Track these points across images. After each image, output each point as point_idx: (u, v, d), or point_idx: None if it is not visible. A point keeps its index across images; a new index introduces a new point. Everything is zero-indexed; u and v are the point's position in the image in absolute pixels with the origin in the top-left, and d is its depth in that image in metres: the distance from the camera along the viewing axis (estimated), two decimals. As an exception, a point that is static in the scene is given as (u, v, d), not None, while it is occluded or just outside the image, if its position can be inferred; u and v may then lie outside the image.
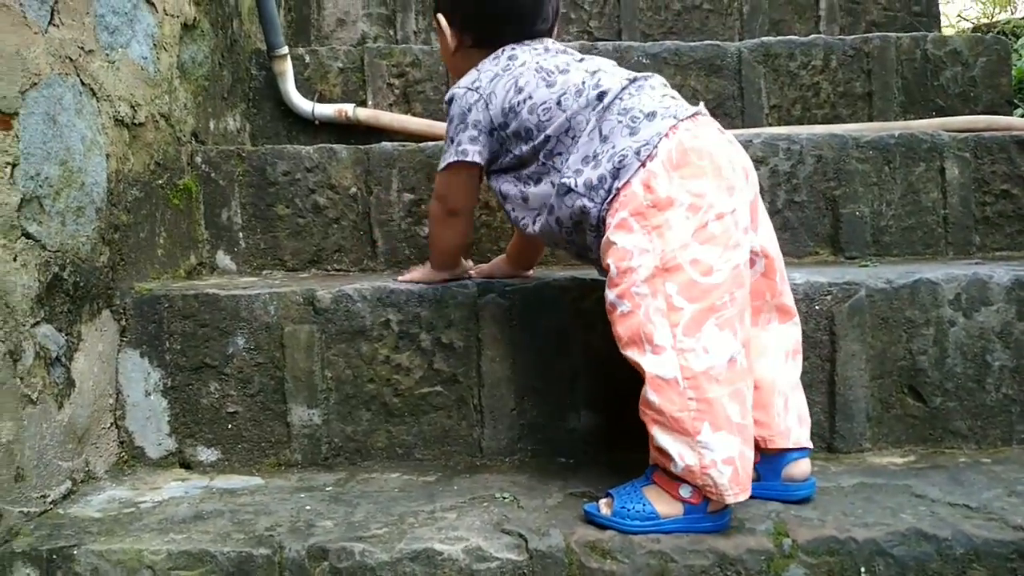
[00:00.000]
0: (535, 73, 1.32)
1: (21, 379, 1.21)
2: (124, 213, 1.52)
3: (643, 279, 1.13)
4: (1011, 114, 2.21)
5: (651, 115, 1.20)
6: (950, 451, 1.46)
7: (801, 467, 1.24)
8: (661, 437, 1.13)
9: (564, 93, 1.28)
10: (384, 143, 1.90)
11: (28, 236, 1.23)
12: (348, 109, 2.21)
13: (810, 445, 1.26)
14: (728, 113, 2.18)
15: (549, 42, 1.42)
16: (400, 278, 1.53)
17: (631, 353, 1.15)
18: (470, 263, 1.59)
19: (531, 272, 1.64)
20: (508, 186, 1.36)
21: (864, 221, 1.80)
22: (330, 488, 1.37)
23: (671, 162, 1.15)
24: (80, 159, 1.38)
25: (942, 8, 2.82)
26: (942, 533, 1.13)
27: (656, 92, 1.26)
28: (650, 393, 1.13)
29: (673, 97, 1.27)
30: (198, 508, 1.30)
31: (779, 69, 2.19)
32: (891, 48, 2.18)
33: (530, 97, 1.30)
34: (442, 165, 1.41)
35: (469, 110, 1.35)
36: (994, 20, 3.70)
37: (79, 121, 1.38)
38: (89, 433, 1.40)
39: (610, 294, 1.17)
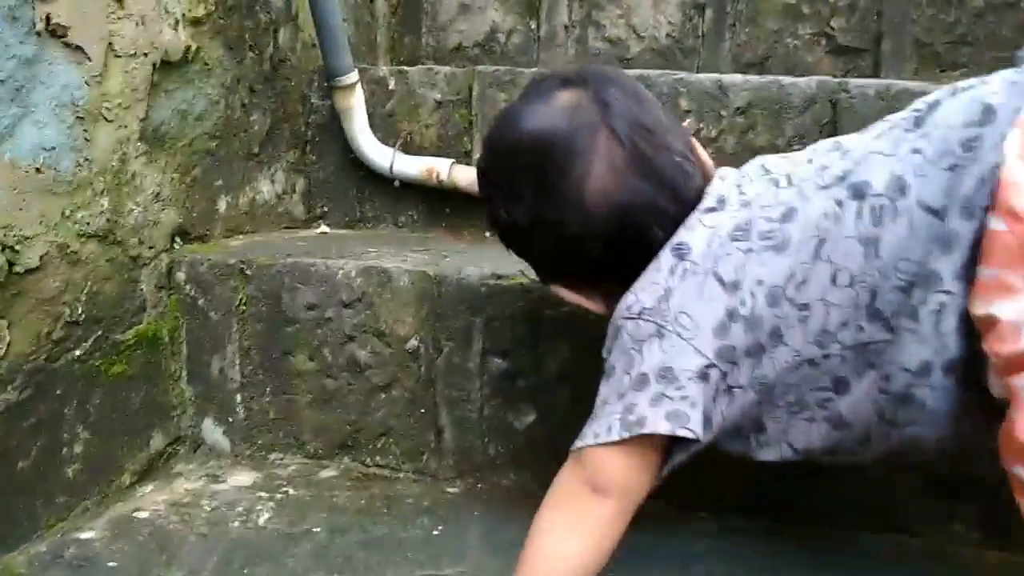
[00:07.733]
0: (763, 242, 0.77)
1: None
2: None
3: None
4: None
5: None
6: None
7: None
8: None
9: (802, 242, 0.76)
10: (468, 269, 1.14)
11: None
12: (442, 168, 1.46)
13: None
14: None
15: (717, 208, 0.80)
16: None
17: None
18: None
19: None
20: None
21: None
22: None
23: None
24: None
25: None
26: None
27: None
28: None
29: None
30: None
31: None
32: None
33: (760, 282, 0.75)
34: (610, 439, 0.75)
35: (664, 353, 0.76)
36: None
37: None
38: None
39: None
